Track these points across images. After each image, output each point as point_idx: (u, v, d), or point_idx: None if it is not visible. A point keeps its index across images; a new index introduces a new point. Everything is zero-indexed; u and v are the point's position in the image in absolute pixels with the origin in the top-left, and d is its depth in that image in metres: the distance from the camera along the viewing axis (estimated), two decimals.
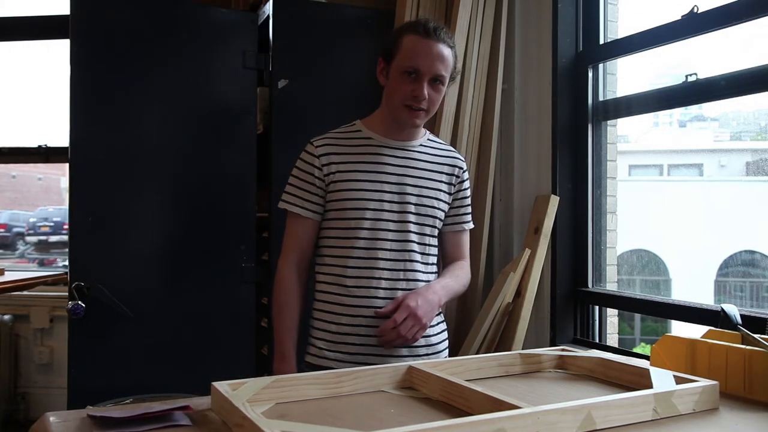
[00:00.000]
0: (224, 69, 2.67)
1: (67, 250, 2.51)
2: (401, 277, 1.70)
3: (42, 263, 5.21)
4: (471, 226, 1.87)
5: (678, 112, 3.97)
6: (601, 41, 2.46)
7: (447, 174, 1.79)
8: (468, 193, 1.86)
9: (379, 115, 1.78)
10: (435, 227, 1.77)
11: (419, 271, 1.73)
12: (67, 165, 2.49)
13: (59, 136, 3.82)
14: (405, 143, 1.76)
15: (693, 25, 2.05)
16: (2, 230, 5.52)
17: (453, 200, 1.82)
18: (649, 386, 1.14)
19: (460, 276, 1.80)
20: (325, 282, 1.73)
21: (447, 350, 1.83)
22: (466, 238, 1.87)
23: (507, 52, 2.62)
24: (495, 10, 2.61)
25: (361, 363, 1.62)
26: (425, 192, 1.74)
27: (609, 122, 2.51)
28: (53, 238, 5.33)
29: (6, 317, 3.90)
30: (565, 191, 2.48)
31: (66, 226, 3.60)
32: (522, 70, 2.64)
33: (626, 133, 3.69)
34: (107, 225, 2.49)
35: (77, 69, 2.46)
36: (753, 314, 1.75)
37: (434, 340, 1.77)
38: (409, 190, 1.72)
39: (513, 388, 1.27)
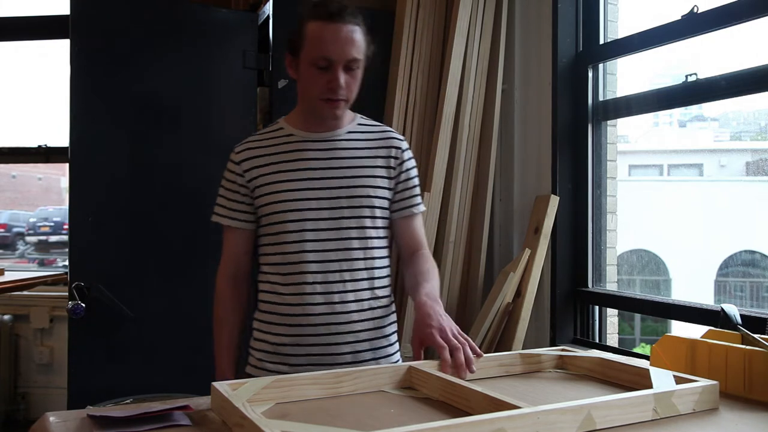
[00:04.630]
0: (224, 69, 2.67)
1: (67, 250, 2.51)
2: (337, 279, 1.55)
3: (42, 263, 5.21)
4: (422, 209, 1.70)
5: (678, 112, 3.97)
6: (601, 41, 2.46)
7: (383, 158, 1.63)
8: (413, 173, 1.68)
9: (299, 111, 1.65)
10: (376, 218, 1.61)
11: (359, 269, 1.58)
12: (67, 165, 2.49)
13: (59, 136, 3.82)
14: (329, 134, 1.62)
15: (693, 25, 2.05)
16: (2, 230, 5.52)
17: (396, 184, 1.65)
18: (649, 386, 1.14)
19: (431, 274, 1.60)
20: (263, 291, 1.62)
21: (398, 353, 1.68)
22: (418, 224, 1.70)
23: (507, 52, 2.62)
24: (495, 10, 2.61)
25: None
26: (357, 182, 1.59)
27: (609, 122, 2.51)
28: (53, 238, 5.33)
29: (6, 317, 3.90)
30: (565, 191, 2.48)
31: (66, 226, 3.60)
32: (522, 70, 2.64)
33: (626, 133, 3.69)
34: (107, 225, 2.49)
35: (77, 69, 2.46)
36: (753, 314, 1.75)
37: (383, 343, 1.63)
38: (338, 183, 1.58)
39: (513, 388, 1.26)
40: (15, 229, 5.48)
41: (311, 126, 1.62)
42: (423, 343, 1.39)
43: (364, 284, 1.59)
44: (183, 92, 2.63)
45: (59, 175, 5.60)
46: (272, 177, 1.58)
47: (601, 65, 2.48)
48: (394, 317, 1.67)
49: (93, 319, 2.42)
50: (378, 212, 1.61)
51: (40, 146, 3.89)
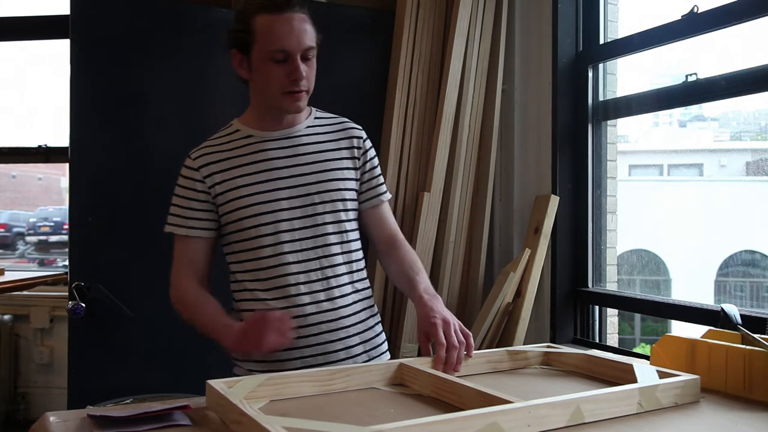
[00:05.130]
0: (224, 69, 2.66)
1: (67, 250, 2.50)
2: (319, 277, 1.51)
3: (42, 263, 5.21)
4: (388, 196, 1.66)
5: (678, 112, 3.97)
6: (601, 41, 2.46)
7: (346, 148, 1.60)
8: (375, 162, 1.65)
9: (255, 110, 1.60)
10: (349, 210, 1.57)
11: (339, 264, 1.54)
12: (67, 165, 2.49)
13: (59, 136, 3.82)
14: (288, 131, 1.57)
15: (693, 25, 2.05)
16: (2, 230, 5.52)
17: (361, 174, 1.61)
18: (633, 381, 1.18)
19: (418, 266, 1.58)
20: (242, 299, 1.55)
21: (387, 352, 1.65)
22: (387, 211, 1.66)
23: (507, 53, 2.62)
24: (495, 10, 2.61)
25: None
26: (326, 176, 1.55)
27: (609, 122, 2.51)
28: (53, 238, 5.33)
29: (6, 317, 3.90)
30: (565, 191, 2.48)
31: (66, 226, 3.60)
32: (522, 70, 2.64)
33: (626, 133, 3.70)
34: (107, 225, 2.49)
35: (77, 69, 2.46)
36: (753, 314, 1.75)
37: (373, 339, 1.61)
38: (307, 179, 1.53)
39: (502, 384, 1.28)
40: (15, 229, 5.48)
41: (269, 125, 1.57)
42: (429, 338, 1.39)
43: (345, 278, 1.55)
44: (183, 92, 2.62)
45: (59, 175, 5.60)
46: (237, 181, 1.52)
47: (601, 65, 2.48)
48: (375, 308, 1.65)
49: (93, 319, 2.41)
50: (350, 204, 1.58)
51: (40, 146, 3.89)
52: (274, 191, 1.52)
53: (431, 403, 1.17)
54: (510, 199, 2.66)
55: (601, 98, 2.48)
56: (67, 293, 2.42)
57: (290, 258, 1.51)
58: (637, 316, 3.96)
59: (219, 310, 1.50)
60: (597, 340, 2.46)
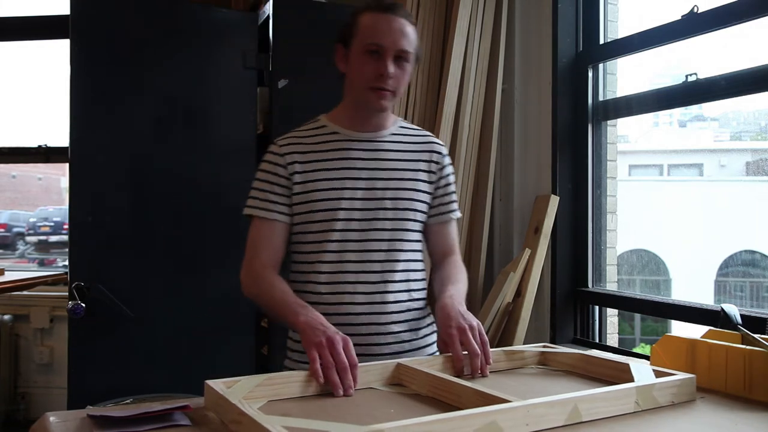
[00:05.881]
0: (224, 69, 2.67)
1: (67, 250, 2.51)
2: (377, 279, 1.56)
3: (42, 263, 5.21)
4: (458, 215, 1.71)
5: (678, 112, 3.97)
6: (601, 41, 2.46)
7: (425, 161, 1.64)
8: (451, 179, 1.70)
9: (343, 108, 1.65)
10: (416, 221, 1.62)
11: (398, 271, 1.58)
12: (67, 165, 2.49)
13: (59, 136, 3.82)
14: (373, 134, 1.62)
15: (693, 25, 2.05)
16: (2, 230, 5.52)
17: (435, 189, 1.66)
18: (629, 380, 1.18)
19: (458, 278, 1.61)
20: (299, 291, 1.58)
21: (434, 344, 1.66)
22: (453, 229, 1.71)
23: (507, 52, 2.62)
24: (495, 10, 2.61)
25: None
26: (401, 184, 1.60)
27: (609, 122, 2.51)
28: (53, 238, 5.33)
29: (6, 317, 3.90)
30: (565, 191, 2.48)
31: (66, 226, 3.60)
32: (522, 70, 2.64)
33: (626, 133, 3.69)
34: (107, 225, 2.49)
35: (77, 69, 2.46)
36: (753, 314, 1.75)
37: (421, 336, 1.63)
38: (383, 184, 1.58)
39: (500, 384, 1.29)
40: (15, 229, 5.48)
41: (356, 124, 1.62)
42: (444, 344, 1.40)
43: (402, 286, 1.59)
44: (183, 92, 2.63)
45: (59, 175, 5.60)
46: (315, 174, 1.57)
47: (601, 65, 2.48)
48: (431, 318, 1.67)
49: (93, 319, 2.42)
50: (419, 216, 1.63)
51: (40, 146, 3.89)
52: (350, 190, 1.56)
53: (430, 403, 1.18)
54: (510, 199, 2.66)
55: (601, 98, 2.48)
56: (67, 293, 2.42)
57: (353, 257, 1.55)
58: (637, 316, 3.96)
59: (291, 290, 1.52)
60: (597, 340, 2.46)
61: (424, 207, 1.64)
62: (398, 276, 1.58)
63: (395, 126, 1.67)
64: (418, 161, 1.64)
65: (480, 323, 1.41)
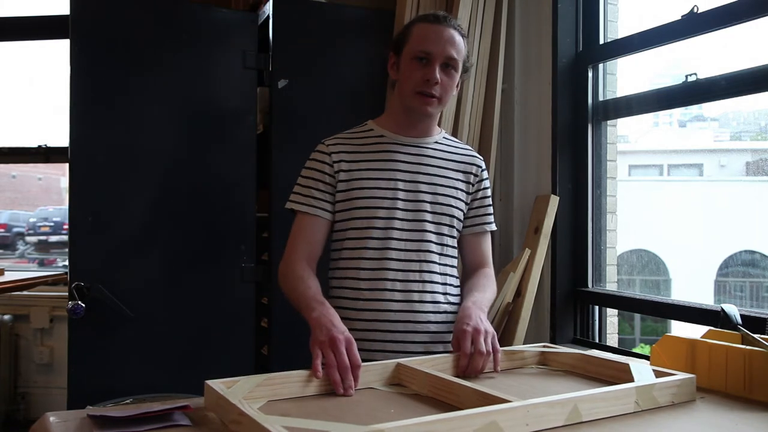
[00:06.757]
0: (224, 69, 2.67)
1: (67, 250, 2.50)
2: (416, 278, 1.62)
3: (42, 263, 5.21)
4: (493, 228, 1.76)
5: (678, 112, 3.97)
6: (601, 41, 2.46)
7: (464, 173, 1.72)
8: (488, 193, 1.77)
9: (391, 113, 1.73)
10: (453, 227, 1.68)
11: (435, 273, 1.65)
12: (67, 165, 2.49)
13: (59, 136, 3.82)
14: (418, 140, 1.69)
15: (693, 25, 2.05)
16: (2, 230, 5.52)
17: (472, 201, 1.74)
18: (629, 380, 1.18)
19: (486, 288, 1.65)
20: (338, 287, 1.65)
21: None
22: (487, 242, 1.76)
23: (507, 52, 2.62)
24: (495, 10, 2.61)
25: None
26: (441, 190, 1.67)
27: (609, 122, 2.51)
28: (53, 238, 5.33)
29: (6, 317, 3.90)
30: (565, 191, 2.48)
31: (66, 226, 3.60)
32: (522, 70, 2.64)
33: (626, 133, 3.69)
34: (107, 225, 2.49)
35: (77, 69, 2.46)
36: (753, 314, 1.75)
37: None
38: (424, 188, 1.65)
39: (500, 384, 1.30)
40: (15, 229, 5.48)
41: (402, 129, 1.69)
42: (457, 345, 1.43)
43: (439, 288, 1.65)
44: (183, 92, 2.63)
45: (59, 175, 5.60)
46: (360, 174, 1.63)
47: (601, 65, 2.48)
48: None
49: (93, 319, 2.42)
50: (456, 223, 1.69)
51: (40, 146, 3.89)
52: (392, 190, 1.63)
53: (430, 403, 1.18)
54: (510, 199, 2.65)
55: (601, 98, 2.48)
56: (67, 293, 2.42)
57: (393, 255, 1.62)
58: (637, 316, 3.96)
59: (318, 288, 1.56)
60: (597, 340, 2.46)
61: (459, 215, 1.70)
62: (436, 278, 1.65)
63: (440, 135, 1.75)
64: (458, 171, 1.71)
65: (495, 333, 1.45)
